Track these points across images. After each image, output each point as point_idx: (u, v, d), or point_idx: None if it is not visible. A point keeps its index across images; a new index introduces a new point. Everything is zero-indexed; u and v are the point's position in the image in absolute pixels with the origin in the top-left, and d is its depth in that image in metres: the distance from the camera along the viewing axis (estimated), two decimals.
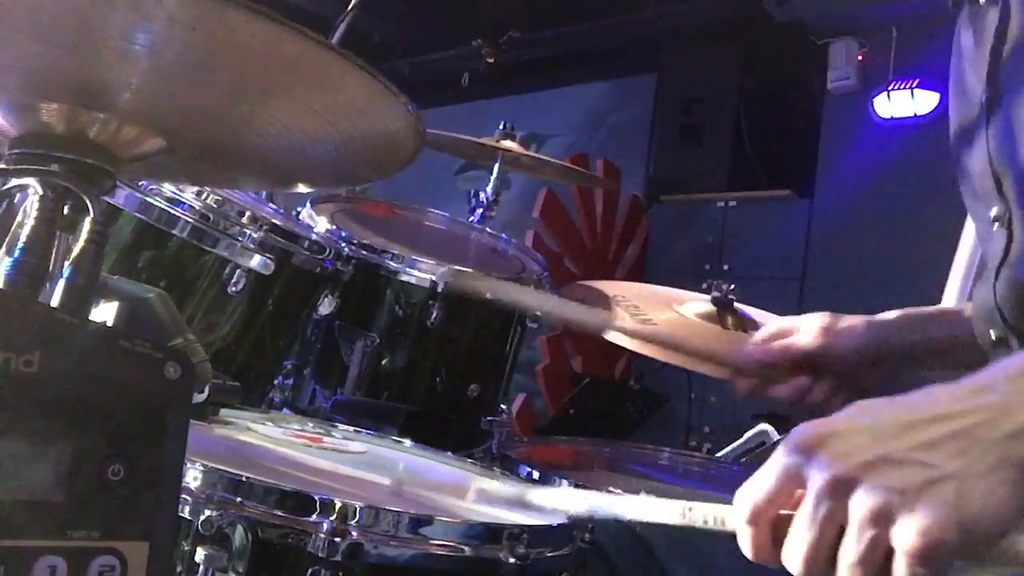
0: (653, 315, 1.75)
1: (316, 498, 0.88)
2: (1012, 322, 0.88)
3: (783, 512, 0.64)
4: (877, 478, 0.60)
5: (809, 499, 0.62)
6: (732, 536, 0.66)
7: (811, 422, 0.65)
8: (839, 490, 0.61)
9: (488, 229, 2.14)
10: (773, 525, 0.64)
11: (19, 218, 0.71)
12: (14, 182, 0.70)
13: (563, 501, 0.83)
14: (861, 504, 0.60)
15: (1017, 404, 0.61)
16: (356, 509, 0.88)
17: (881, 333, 1.15)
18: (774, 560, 0.64)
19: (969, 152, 0.92)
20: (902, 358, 1.14)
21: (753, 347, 1.19)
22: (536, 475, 1.51)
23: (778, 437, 2.26)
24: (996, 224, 0.88)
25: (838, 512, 0.61)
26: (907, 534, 0.58)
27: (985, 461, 0.60)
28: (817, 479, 0.61)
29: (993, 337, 0.91)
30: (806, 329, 1.18)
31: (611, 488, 1.48)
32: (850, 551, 0.60)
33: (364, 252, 1.76)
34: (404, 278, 1.78)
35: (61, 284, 0.70)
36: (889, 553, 0.60)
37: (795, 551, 0.62)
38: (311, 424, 1.35)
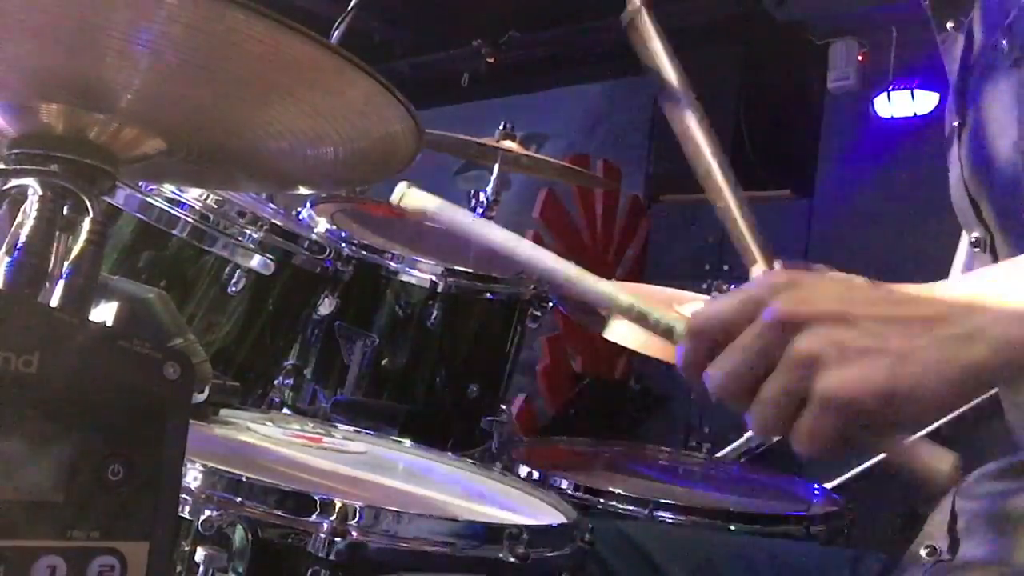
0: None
1: (316, 498, 0.88)
2: None
3: (729, 338, 0.64)
4: (824, 329, 0.61)
5: (752, 327, 0.63)
6: (732, 541, 0.66)
7: (788, 269, 0.66)
8: (784, 328, 0.62)
9: None
10: (711, 345, 0.65)
11: (19, 218, 0.71)
12: (14, 182, 0.70)
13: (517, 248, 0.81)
14: (798, 345, 0.61)
15: (971, 309, 0.62)
16: (356, 509, 0.88)
17: None
18: (695, 375, 0.65)
19: (950, 176, 0.93)
20: None
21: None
22: (536, 475, 1.51)
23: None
24: (977, 249, 0.89)
25: (774, 348, 0.62)
26: (828, 381, 0.59)
27: (930, 351, 0.60)
28: (770, 311, 0.62)
29: None
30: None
31: (612, 488, 1.48)
32: (769, 384, 0.62)
33: (364, 252, 1.76)
34: (404, 278, 1.78)
35: (61, 284, 0.70)
36: (805, 401, 0.61)
37: (722, 366, 0.63)
38: (311, 424, 1.35)
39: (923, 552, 0.81)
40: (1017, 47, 0.80)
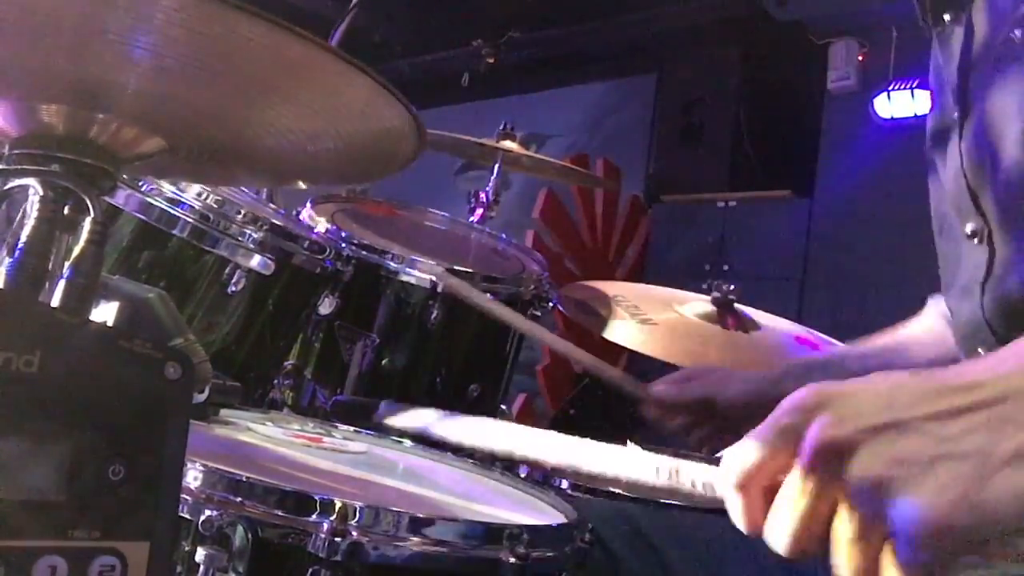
0: (653, 315, 1.75)
1: (316, 498, 0.88)
2: (1002, 336, 0.87)
3: (779, 478, 0.55)
4: (880, 445, 0.52)
5: (800, 464, 0.53)
6: (737, 531, 0.61)
7: (819, 383, 0.56)
8: (835, 456, 0.52)
9: (488, 229, 2.14)
10: (766, 492, 0.56)
11: (19, 218, 0.71)
12: (14, 182, 0.71)
13: (543, 450, 0.76)
14: (858, 473, 0.52)
15: None
16: (356, 509, 0.88)
17: (775, 383, 1.20)
18: (761, 531, 0.57)
19: (944, 169, 0.93)
20: None
21: (661, 387, 1.29)
22: (536, 475, 1.51)
23: None
24: (974, 239, 0.88)
25: (832, 482, 0.52)
26: (908, 512, 0.50)
27: (1012, 442, 0.51)
28: (811, 441, 0.53)
29: (981, 353, 0.91)
30: (701, 377, 1.27)
31: (612, 488, 1.48)
32: (844, 527, 0.52)
33: (364, 252, 1.76)
34: (404, 278, 1.78)
35: (61, 284, 0.70)
36: (886, 534, 0.52)
37: (780, 524, 0.54)
38: (311, 424, 1.35)
39: None
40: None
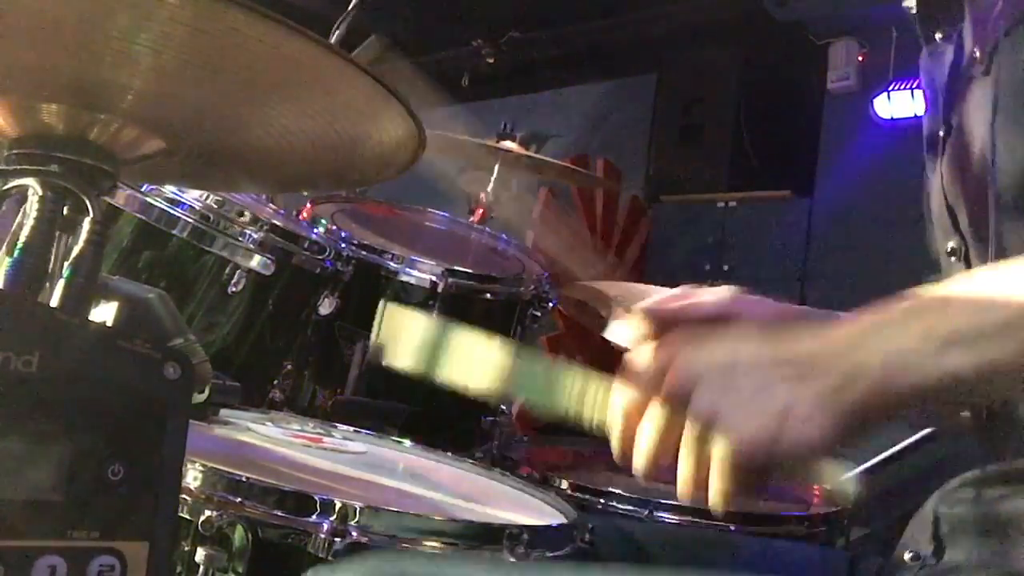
0: None
1: (316, 498, 0.88)
2: None
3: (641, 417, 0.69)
4: (713, 384, 0.65)
5: (657, 403, 0.67)
6: (731, 541, 0.68)
7: (683, 333, 0.71)
8: (681, 391, 0.65)
9: (488, 229, 2.14)
10: (634, 430, 0.69)
11: (19, 218, 0.71)
12: (14, 182, 0.70)
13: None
14: (694, 405, 0.65)
15: (855, 348, 0.64)
16: (356, 509, 0.88)
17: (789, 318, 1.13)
18: (629, 461, 0.70)
19: (930, 186, 0.93)
20: None
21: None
22: (536, 475, 1.51)
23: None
24: (952, 258, 0.89)
25: (679, 409, 0.66)
26: (724, 442, 0.63)
27: (813, 390, 0.62)
28: (666, 381, 0.66)
29: None
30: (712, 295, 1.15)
31: (612, 488, 1.48)
32: (681, 451, 0.66)
33: (364, 252, 1.76)
34: (404, 278, 1.78)
35: (61, 284, 0.70)
36: (707, 446, 0.65)
37: (641, 444, 0.68)
38: (311, 424, 1.35)
39: (907, 557, 0.80)
40: (987, 55, 0.81)
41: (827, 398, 0.63)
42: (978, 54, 0.82)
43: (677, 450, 0.67)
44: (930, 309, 0.66)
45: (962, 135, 0.85)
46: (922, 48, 0.97)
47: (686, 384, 0.66)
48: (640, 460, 0.69)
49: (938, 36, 0.93)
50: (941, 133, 0.90)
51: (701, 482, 0.66)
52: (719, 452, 0.64)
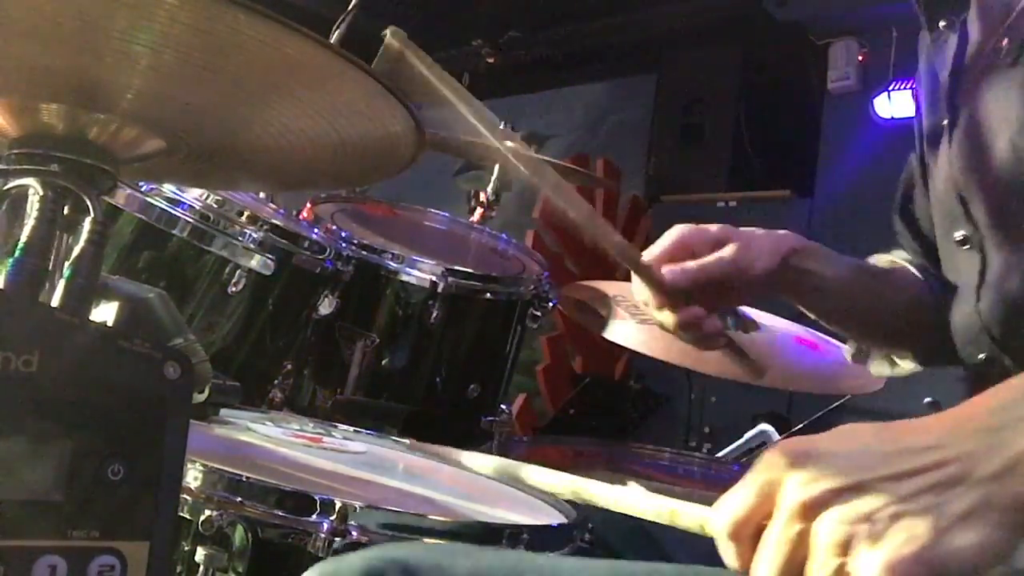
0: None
1: (316, 498, 0.88)
2: (1002, 341, 0.87)
3: (763, 524, 0.61)
4: (845, 504, 0.57)
5: (777, 520, 0.59)
6: None
7: (794, 439, 0.62)
8: (807, 513, 0.58)
9: (488, 229, 2.14)
10: (753, 538, 0.61)
11: (19, 218, 0.71)
12: (14, 182, 0.70)
13: (550, 482, 0.81)
14: (825, 529, 0.57)
15: (1007, 439, 0.57)
16: (356, 509, 0.88)
17: (803, 251, 1.07)
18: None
19: (934, 174, 0.93)
20: (813, 295, 1.08)
21: (671, 271, 1.04)
22: None
23: (778, 438, 2.26)
24: (964, 247, 0.88)
25: (804, 536, 0.58)
26: (869, 565, 0.54)
27: (965, 500, 0.55)
28: (787, 500, 0.59)
29: (981, 358, 0.90)
30: (714, 242, 1.07)
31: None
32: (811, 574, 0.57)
33: (364, 252, 1.76)
34: (404, 278, 1.78)
35: (61, 284, 0.70)
36: None
37: (764, 570, 0.60)
38: (311, 424, 1.35)
39: None
40: (1016, 45, 0.80)
41: (985, 502, 0.55)
42: (1006, 44, 0.81)
43: (803, 571, 0.58)
44: None
45: (975, 125, 0.84)
46: (923, 40, 0.97)
47: (810, 506, 0.58)
48: None
49: (942, 24, 0.92)
50: (945, 123, 0.89)
51: None
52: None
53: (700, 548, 0.67)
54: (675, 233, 1.06)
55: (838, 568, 0.56)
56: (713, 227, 1.08)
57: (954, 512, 0.55)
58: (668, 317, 1.01)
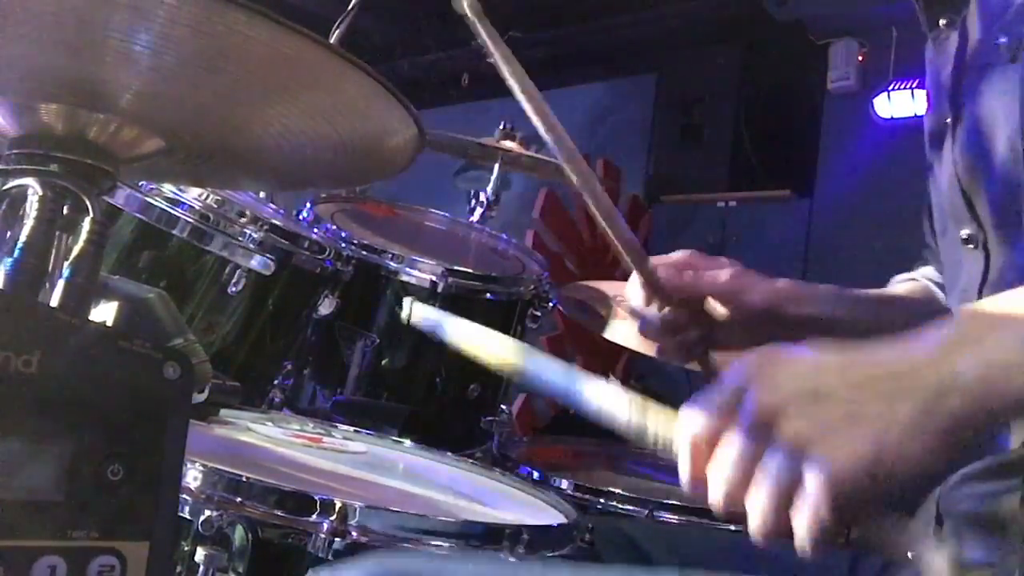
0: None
1: (316, 498, 0.88)
2: None
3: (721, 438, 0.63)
4: (801, 410, 0.60)
5: (738, 425, 0.61)
6: (732, 540, 0.65)
7: (758, 351, 0.65)
8: (764, 419, 0.60)
9: (488, 229, 2.14)
10: (710, 450, 0.63)
11: (19, 218, 0.71)
12: (14, 182, 0.70)
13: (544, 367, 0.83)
14: (783, 431, 0.59)
15: (947, 359, 0.60)
16: (356, 509, 0.88)
17: (795, 301, 1.09)
18: (701, 488, 0.64)
19: (939, 172, 0.93)
20: (816, 328, 1.08)
21: (664, 268, 1.06)
22: (536, 475, 1.51)
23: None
24: (969, 245, 0.88)
25: (761, 444, 0.60)
26: (820, 463, 0.58)
27: (908, 408, 0.59)
28: (746, 407, 0.61)
29: None
30: (707, 268, 1.09)
31: (612, 488, 1.48)
32: (761, 480, 0.60)
33: (364, 252, 1.76)
34: (404, 278, 1.78)
35: (61, 284, 0.70)
36: (798, 488, 0.59)
37: (718, 476, 0.62)
38: (311, 424, 1.35)
39: (908, 554, 0.80)
40: (1014, 43, 0.80)
41: (925, 413, 0.59)
42: (1004, 42, 0.81)
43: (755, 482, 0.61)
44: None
45: (978, 123, 0.85)
46: (926, 42, 0.97)
47: (769, 409, 0.61)
48: (717, 492, 0.62)
49: (942, 23, 0.93)
50: (948, 121, 0.89)
51: (784, 519, 0.60)
52: (812, 483, 0.58)
53: (692, 560, 0.67)
54: (686, 252, 1.09)
55: (788, 470, 0.59)
56: (723, 259, 1.13)
57: (899, 418, 0.59)
58: (653, 314, 1.04)
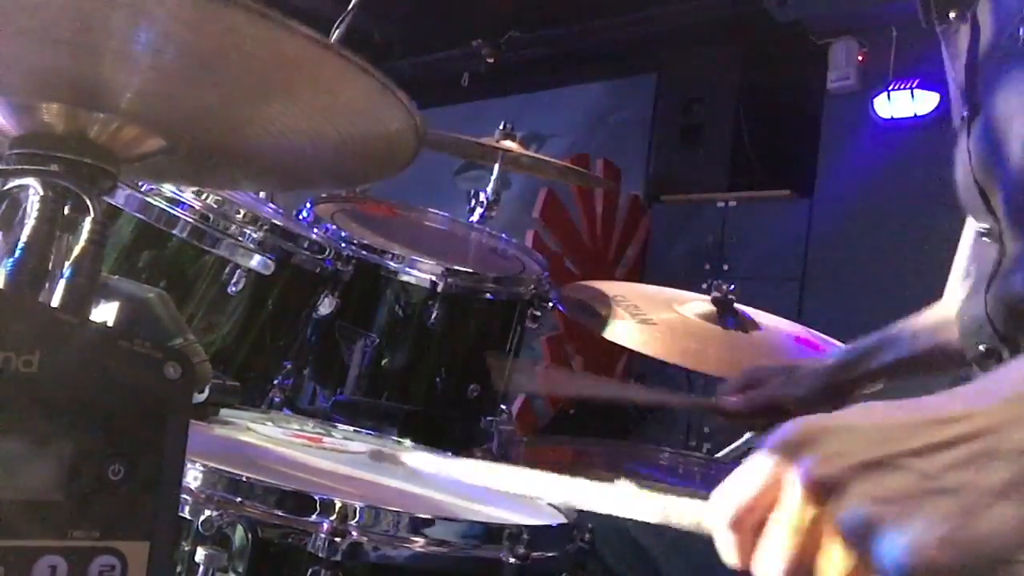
0: (653, 315, 1.75)
1: (316, 498, 0.88)
2: (1003, 333, 0.87)
3: (767, 515, 0.55)
4: (868, 483, 0.52)
5: (788, 502, 0.54)
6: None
7: (804, 417, 0.56)
8: (823, 494, 0.52)
9: (488, 229, 2.14)
10: (756, 529, 0.56)
11: (19, 218, 0.71)
12: (14, 182, 0.70)
13: (542, 488, 0.78)
14: (846, 510, 0.52)
15: None
16: (356, 509, 0.88)
17: (838, 371, 1.26)
18: (749, 565, 0.57)
19: (956, 166, 0.93)
20: (875, 378, 1.23)
21: (730, 397, 1.34)
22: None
23: None
24: (986, 238, 0.88)
25: (820, 519, 0.53)
26: (895, 549, 0.50)
27: (998, 475, 0.50)
28: (799, 479, 0.53)
29: (981, 349, 0.91)
30: (770, 379, 1.32)
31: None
32: (832, 565, 0.52)
33: (364, 252, 1.76)
34: (404, 278, 1.78)
35: (61, 284, 0.70)
36: (874, 572, 0.51)
37: (770, 561, 0.54)
38: (311, 424, 1.35)
39: None
40: None
41: (1012, 468, 0.50)
42: (1023, 34, 0.80)
43: (815, 561, 0.53)
44: None
45: (993, 118, 0.84)
46: (925, 40, 0.96)
47: (826, 484, 0.53)
48: (773, 573, 0.54)
49: (952, 14, 0.92)
50: (964, 115, 0.89)
51: None
52: (892, 562, 0.50)
53: (692, 558, 0.65)
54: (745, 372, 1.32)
55: (859, 554, 0.51)
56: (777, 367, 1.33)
57: (986, 488, 0.50)
58: None
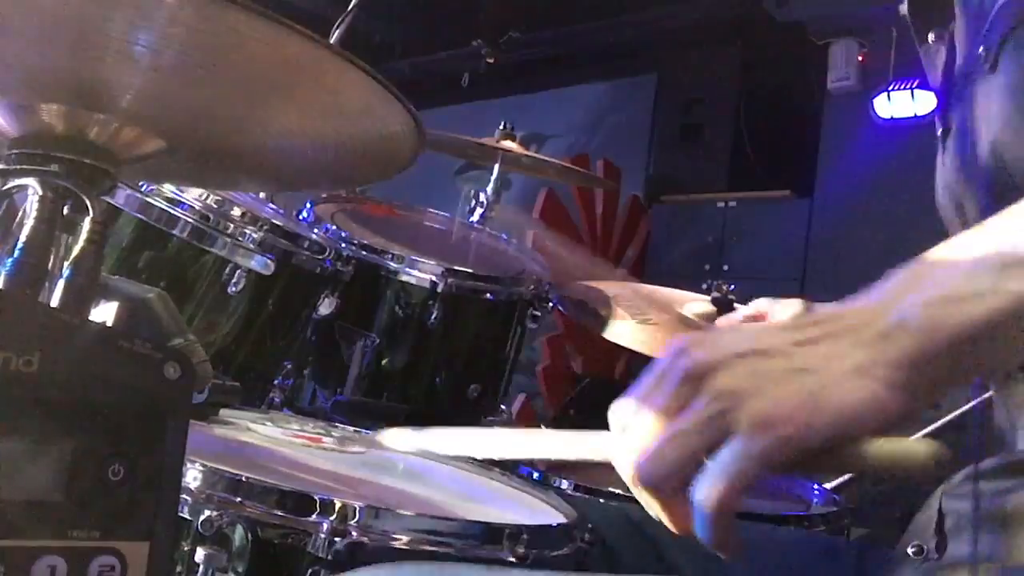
0: (653, 315, 1.75)
1: (316, 498, 0.88)
2: None
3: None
4: (739, 366, 0.56)
5: (668, 379, 0.58)
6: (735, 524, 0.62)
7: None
8: (697, 375, 0.57)
9: (488, 229, 2.15)
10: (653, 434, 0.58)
11: (19, 218, 0.71)
12: (14, 182, 0.70)
13: (461, 445, 0.81)
14: (712, 383, 0.56)
15: (891, 304, 0.57)
16: (356, 509, 0.88)
17: None
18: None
19: (936, 184, 0.94)
20: None
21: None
22: (536, 475, 1.51)
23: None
24: None
25: (688, 397, 0.56)
26: (749, 416, 0.54)
27: (852, 359, 0.55)
28: (682, 363, 0.57)
29: None
30: (781, 311, 1.14)
31: (612, 488, 1.48)
32: (683, 420, 0.56)
33: (364, 252, 1.76)
34: (404, 278, 1.78)
35: (61, 284, 0.70)
36: (725, 437, 0.55)
37: (635, 435, 0.58)
38: (311, 424, 1.35)
39: (910, 551, 0.80)
40: (992, 53, 0.81)
41: (871, 351, 0.55)
42: (982, 51, 0.83)
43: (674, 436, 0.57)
44: (971, 244, 0.61)
45: (965, 134, 0.86)
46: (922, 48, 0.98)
47: (703, 366, 0.57)
48: (645, 461, 0.58)
49: (931, 37, 0.94)
50: (939, 132, 0.91)
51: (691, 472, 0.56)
52: (743, 421, 0.54)
53: (700, 548, 0.66)
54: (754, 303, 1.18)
55: (714, 414, 0.55)
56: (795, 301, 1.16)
57: (842, 369, 0.55)
58: None
